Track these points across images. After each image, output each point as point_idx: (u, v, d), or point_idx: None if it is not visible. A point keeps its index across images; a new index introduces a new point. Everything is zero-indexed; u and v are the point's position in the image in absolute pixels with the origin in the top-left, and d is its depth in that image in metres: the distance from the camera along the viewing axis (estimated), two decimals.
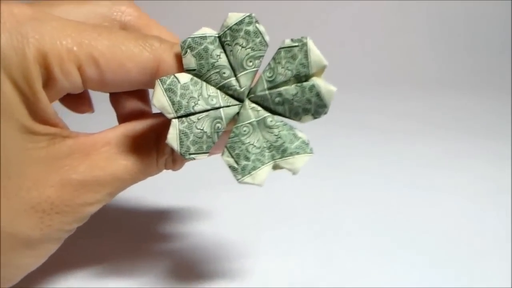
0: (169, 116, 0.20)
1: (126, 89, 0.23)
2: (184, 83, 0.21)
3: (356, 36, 0.81)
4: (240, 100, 0.22)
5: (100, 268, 0.28)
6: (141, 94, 0.26)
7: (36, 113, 0.20)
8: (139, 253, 0.30)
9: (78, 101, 0.28)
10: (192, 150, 0.21)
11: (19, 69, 0.19)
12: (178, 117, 0.21)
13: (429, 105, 0.64)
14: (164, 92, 0.20)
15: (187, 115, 0.21)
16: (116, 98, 0.26)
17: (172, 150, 0.23)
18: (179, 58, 0.22)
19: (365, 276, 0.29)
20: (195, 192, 0.38)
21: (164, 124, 0.22)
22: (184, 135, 0.21)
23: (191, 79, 0.21)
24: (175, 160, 0.24)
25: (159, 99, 0.20)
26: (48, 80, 0.20)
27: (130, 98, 0.26)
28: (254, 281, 0.28)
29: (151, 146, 0.23)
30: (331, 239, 0.32)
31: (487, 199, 0.39)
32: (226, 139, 0.22)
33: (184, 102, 0.21)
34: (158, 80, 0.20)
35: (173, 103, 0.20)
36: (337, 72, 0.72)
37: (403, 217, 0.36)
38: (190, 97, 0.21)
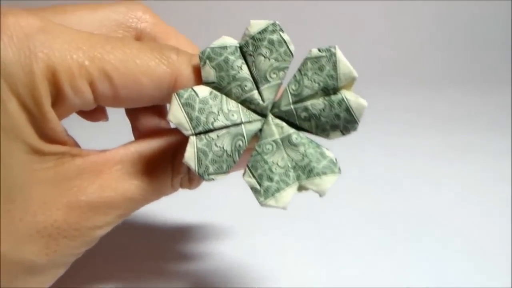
0: (187, 133, 0.19)
1: (141, 105, 0.21)
2: (203, 97, 0.19)
3: (358, 33, 0.80)
4: (263, 115, 0.20)
5: None
6: (158, 108, 0.25)
7: (44, 133, 0.19)
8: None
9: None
10: (211, 170, 0.19)
11: (26, 87, 0.18)
12: (196, 134, 0.19)
13: (431, 100, 0.64)
14: (182, 107, 0.19)
15: (206, 131, 0.19)
16: (131, 111, 0.25)
17: (189, 169, 0.21)
18: (198, 71, 0.20)
19: (365, 272, 0.29)
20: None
21: (181, 141, 0.21)
22: (203, 153, 0.19)
23: (210, 93, 0.20)
24: (192, 179, 0.22)
25: (175, 115, 0.19)
26: (58, 98, 0.19)
27: (146, 113, 0.24)
28: None
29: (166, 165, 0.21)
30: (334, 234, 0.32)
31: (489, 193, 0.39)
32: (247, 157, 0.20)
33: (202, 118, 0.19)
34: (175, 93, 0.19)
35: (191, 119, 0.19)
36: None
37: (404, 211, 0.36)
38: (209, 112, 0.19)
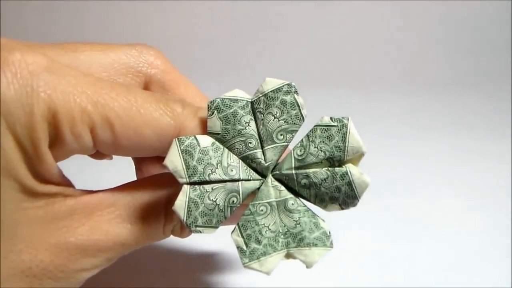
0: (181, 180, 0.18)
1: (142, 155, 0.21)
2: (204, 147, 0.19)
3: (358, 36, 0.79)
4: (263, 175, 0.20)
5: None
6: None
7: (39, 173, 0.18)
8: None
9: None
10: (199, 222, 0.18)
11: (24, 126, 0.17)
12: (191, 184, 0.18)
13: (431, 104, 0.63)
14: (180, 154, 0.18)
15: (201, 182, 0.18)
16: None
17: None
18: (203, 125, 0.20)
19: (365, 273, 0.29)
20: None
21: (176, 189, 0.20)
22: (194, 204, 0.18)
23: (213, 144, 0.19)
24: (184, 228, 0.21)
25: (173, 161, 0.18)
26: (56, 140, 0.18)
27: (152, 159, 0.24)
28: None
29: (159, 211, 0.20)
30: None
31: (488, 197, 0.38)
32: (240, 214, 0.19)
33: (200, 168, 0.18)
34: (176, 139, 0.18)
35: (188, 167, 0.18)
36: (340, 73, 0.71)
37: (405, 214, 0.36)
38: (208, 164, 0.19)
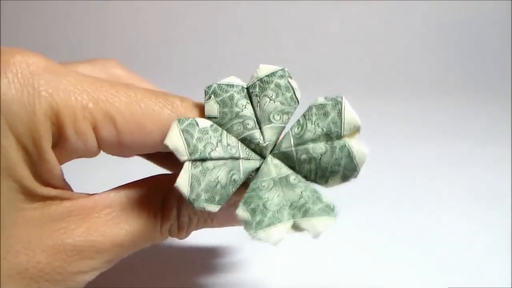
0: (182, 158, 0.18)
1: (146, 152, 0.21)
2: (203, 127, 0.19)
3: (354, 39, 0.79)
4: (262, 156, 0.20)
5: None
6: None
7: (40, 174, 0.18)
8: None
9: None
10: (203, 197, 0.18)
11: (26, 125, 0.17)
12: (192, 161, 0.18)
13: (428, 109, 0.62)
14: (181, 133, 0.18)
15: (202, 160, 0.18)
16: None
17: (178, 216, 0.20)
18: (202, 115, 0.20)
19: (367, 279, 0.29)
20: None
21: (171, 187, 0.20)
22: (196, 180, 0.18)
23: (211, 125, 0.19)
24: (180, 227, 0.21)
25: (173, 140, 0.18)
26: (59, 140, 0.18)
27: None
28: None
29: (156, 211, 0.20)
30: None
31: (487, 202, 0.38)
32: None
33: (200, 146, 0.18)
34: (176, 120, 0.19)
35: (188, 145, 0.18)
36: (335, 76, 0.70)
37: (401, 219, 0.36)
38: (208, 143, 0.19)
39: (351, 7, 0.80)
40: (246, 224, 0.18)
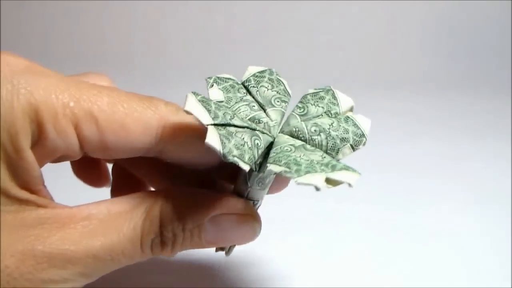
0: (205, 122, 0.17)
1: (129, 155, 0.20)
2: (218, 101, 0.19)
3: (357, 38, 0.77)
4: (271, 136, 0.20)
5: None
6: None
7: (17, 174, 0.17)
8: None
9: (92, 172, 0.24)
10: (235, 152, 0.17)
11: (3, 121, 0.17)
12: (215, 125, 0.18)
13: (427, 105, 0.61)
14: (198, 102, 0.18)
15: (224, 125, 0.18)
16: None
17: (161, 231, 0.19)
18: (185, 124, 0.20)
19: (364, 276, 0.29)
20: None
21: (153, 201, 0.19)
22: (226, 138, 0.17)
23: (222, 100, 0.19)
24: (164, 243, 0.19)
25: (192, 107, 0.18)
26: (39, 138, 0.18)
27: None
28: None
29: (136, 225, 0.19)
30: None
31: (487, 199, 0.38)
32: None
33: (220, 113, 0.18)
34: (190, 92, 0.18)
35: (209, 111, 0.18)
36: (336, 73, 0.69)
37: (405, 214, 0.35)
38: (225, 112, 0.18)
39: (350, 3, 0.81)
40: (286, 173, 0.17)
